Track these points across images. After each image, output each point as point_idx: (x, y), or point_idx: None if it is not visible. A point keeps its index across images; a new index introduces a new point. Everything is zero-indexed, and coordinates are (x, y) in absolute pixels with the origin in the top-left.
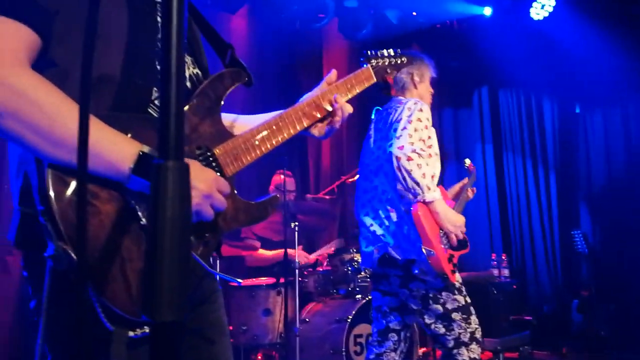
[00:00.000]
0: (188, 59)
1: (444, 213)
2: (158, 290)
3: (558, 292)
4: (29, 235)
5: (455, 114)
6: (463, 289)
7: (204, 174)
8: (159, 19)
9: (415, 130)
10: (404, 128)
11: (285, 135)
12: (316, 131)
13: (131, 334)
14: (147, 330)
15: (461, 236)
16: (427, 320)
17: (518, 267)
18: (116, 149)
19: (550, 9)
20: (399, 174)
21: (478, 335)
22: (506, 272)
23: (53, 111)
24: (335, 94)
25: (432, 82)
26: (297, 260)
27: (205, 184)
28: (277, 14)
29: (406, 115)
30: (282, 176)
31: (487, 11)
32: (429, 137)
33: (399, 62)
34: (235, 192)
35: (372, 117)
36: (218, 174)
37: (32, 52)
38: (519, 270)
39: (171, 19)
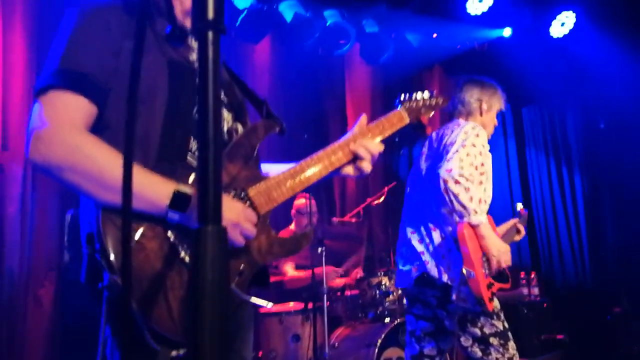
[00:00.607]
0: (229, 115)
1: (489, 237)
2: (201, 347)
3: (590, 309)
4: (91, 272)
5: None
6: (501, 314)
7: (232, 204)
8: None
9: (467, 155)
10: (456, 151)
11: (314, 177)
12: (350, 172)
13: (174, 353)
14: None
15: (504, 264)
16: (464, 343)
17: (548, 285)
18: (155, 189)
19: (571, 26)
20: (446, 197)
21: None
22: (536, 290)
23: (102, 162)
24: (360, 138)
25: (498, 115)
26: (325, 286)
27: (233, 214)
28: (299, 42)
29: (461, 138)
30: (305, 200)
31: (507, 32)
32: (482, 164)
33: (434, 103)
34: (270, 227)
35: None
36: (254, 212)
37: (89, 118)
38: (549, 288)
39: (207, 91)
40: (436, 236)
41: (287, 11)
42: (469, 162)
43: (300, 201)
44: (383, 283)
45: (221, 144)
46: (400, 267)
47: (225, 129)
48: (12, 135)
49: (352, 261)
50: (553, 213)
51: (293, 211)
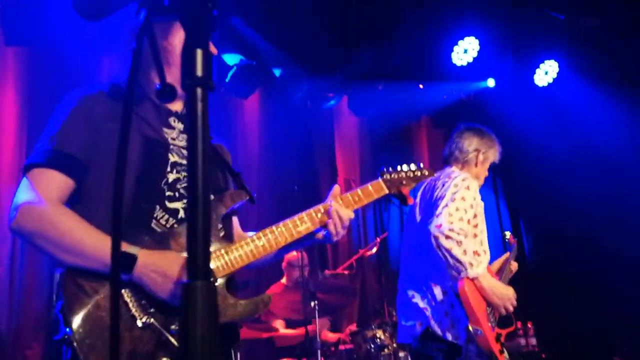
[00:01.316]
0: None
1: (489, 287)
2: None
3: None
4: (54, 327)
5: None
6: None
7: (176, 262)
8: (170, 156)
9: (457, 209)
10: (446, 206)
11: (276, 246)
12: (320, 236)
13: None
14: None
15: (511, 308)
16: None
17: (546, 335)
18: (106, 251)
19: (555, 75)
20: (439, 253)
21: None
22: (533, 341)
23: (63, 229)
24: (330, 205)
25: (491, 166)
26: (319, 340)
27: (179, 272)
28: (287, 96)
29: (451, 192)
30: (295, 252)
31: (491, 82)
32: (475, 216)
33: (418, 174)
34: (226, 291)
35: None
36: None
37: (64, 191)
38: (547, 338)
39: (196, 148)
40: (437, 292)
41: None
42: (458, 216)
43: (292, 254)
44: (378, 336)
45: (209, 201)
46: (403, 322)
47: None
48: (3, 194)
49: (344, 313)
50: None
51: (284, 264)
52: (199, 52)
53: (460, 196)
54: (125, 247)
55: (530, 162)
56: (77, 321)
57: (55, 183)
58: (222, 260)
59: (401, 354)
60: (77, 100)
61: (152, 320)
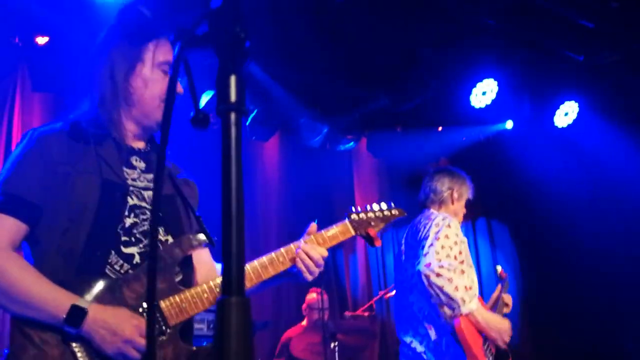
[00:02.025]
0: (160, 229)
1: (485, 321)
2: None
3: None
4: None
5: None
6: None
7: (128, 320)
8: (129, 199)
9: (442, 247)
10: (431, 245)
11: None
12: (290, 277)
13: None
14: None
15: (507, 340)
16: None
17: None
18: (55, 302)
19: (574, 116)
20: (432, 291)
21: None
22: None
23: (11, 278)
24: (298, 247)
25: (467, 204)
26: None
27: (127, 330)
28: (306, 138)
29: (434, 232)
30: (316, 295)
31: (509, 124)
32: (460, 253)
33: (388, 214)
34: (179, 339)
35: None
36: (162, 323)
37: (16, 236)
38: None
39: (230, 170)
40: (432, 334)
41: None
42: (445, 253)
43: (312, 296)
44: None
45: (243, 220)
46: None
47: None
48: None
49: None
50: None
51: (304, 306)
52: (233, 78)
53: (444, 234)
54: (76, 300)
55: (550, 204)
56: None
57: (6, 228)
58: (177, 308)
59: None
60: (35, 141)
61: None
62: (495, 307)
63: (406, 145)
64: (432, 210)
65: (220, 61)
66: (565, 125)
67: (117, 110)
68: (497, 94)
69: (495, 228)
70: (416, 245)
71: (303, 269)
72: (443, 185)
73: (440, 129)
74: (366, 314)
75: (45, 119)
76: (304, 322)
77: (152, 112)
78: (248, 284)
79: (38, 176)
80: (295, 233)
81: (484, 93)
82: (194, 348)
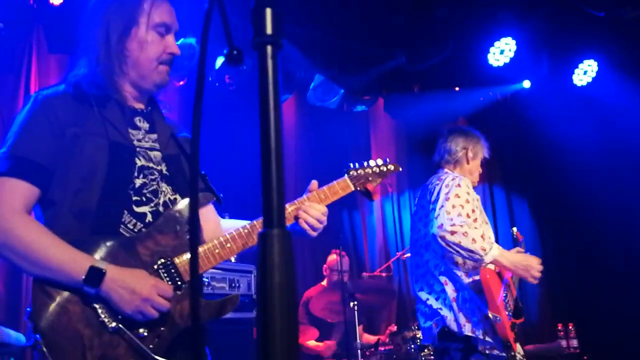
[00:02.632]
0: (168, 188)
1: (511, 263)
2: (272, 353)
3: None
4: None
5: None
6: None
7: (145, 280)
8: (136, 160)
9: (453, 206)
10: (442, 207)
11: (245, 245)
12: (304, 227)
13: None
14: None
15: (538, 275)
16: None
17: (587, 337)
18: (73, 264)
19: (594, 74)
20: (450, 250)
21: None
22: (575, 342)
23: (28, 242)
24: (303, 202)
25: (483, 162)
26: (359, 341)
27: (145, 289)
28: (323, 99)
29: (444, 193)
30: (336, 256)
31: (527, 84)
32: (473, 211)
33: (384, 170)
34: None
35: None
36: (177, 279)
37: (29, 199)
38: (588, 340)
39: (268, 103)
40: (449, 290)
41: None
42: (456, 212)
43: (332, 257)
44: (418, 337)
45: (282, 153)
46: (422, 324)
47: (161, 201)
48: None
49: (382, 314)
50: (584, 260)
51: (325, 267)
52: (269, 11)
53: (454, 194)
54: (94, 261)
55: (567, 164)
56: (46, 327)
57: (19, 192)
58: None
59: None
60: (40, 103)
61: (120, 325)
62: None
63: (423, 106)
64: (446, 170)
65: None
66: (584, 83)
67: (114, 73)
68: (516, 52)
69: (513, 191)
70: (427, 206)
71: (305, 227)
72: (457, 145)
73: (457, 89)
74: (384, 274)
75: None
76: (324, 282)
77: (149, 74)
78: (250, 243)
79: (46, 138)
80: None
81: (502, 52)
82: (208, 302)
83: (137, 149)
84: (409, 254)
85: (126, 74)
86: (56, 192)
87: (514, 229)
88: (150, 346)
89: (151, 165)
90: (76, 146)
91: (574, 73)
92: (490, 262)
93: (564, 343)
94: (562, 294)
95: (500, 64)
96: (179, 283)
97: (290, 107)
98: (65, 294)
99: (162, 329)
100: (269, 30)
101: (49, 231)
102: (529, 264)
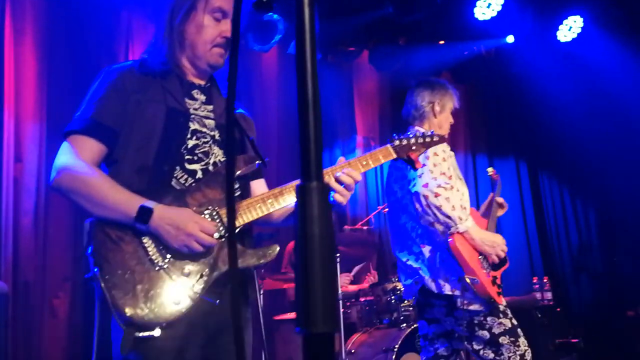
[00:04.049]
0: (219, 151)
1: (479, 238)
2: (312, 303)
3: (603, 314)
4: (86, 270)
5: None
6: (508, 311)
7: (191, 217)
8: (190, 124)
9: (435, 165)
10: (423, 165)
11: (284, 202)
12: (337, 198)
13: (138, 334)
14: (149, 334)
15: (502, 255)
16: (476, 347)
17: (561, 289)
18: (127, 204)
19: (579, 30)
20: (430, 211)
21: (528, 357)
22: (549, 295)
23: (94, 187)
24: (338, 171)
25: (454, 112)
26: (340, 291)
27: (190, 225)
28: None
29: None
30: None
31: (510, 39)
32: (449, 168)
33: (429, 140)
34: (237, 241)
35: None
36: (221, 227)
37: (98, 155)
38: (561, 292)
39: (305, 53)
40: (427, 252)
41: None
42: (439, 171)
43: None
44: (398, 288)
45: (319, 106)
46: (403, 282)
47: (212, 161)
48: (26, 147)
49: (363, 267)
50: (563, 215)
51: None
52: None
53: (432, 152)
54: (144, 202)
55: (551, 122)
56: (104, 262)
57: (90, 148)
58: (235, 214)
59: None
60: (112, 75)
61: (168, 264)
62: (489, 213)
63: (408, 59)
64: (416, 127)
65: None
66: (569, 39)
67: (175, 51)
68: (503, 6)
69: (496, 151)
70: (402, 166)
71: (340, 199)
72: (423, 99)
73: (442, 42)
74: (365, 227)
75: (38, 25)
76: None
77: (204, 55)
78: (266, 211)
79: (114, 105)
80: (295, 145)
81: (489, 5)
82: (248, 250)
83: (192, 115)
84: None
85: (185, 53)
86: (121, 150)
87: (490, 168)
88: (194, 283)
89: (204, 130)
90: (138, 111)
91: (558, 29)
92: (462, 233)
93: (538, 295)
94: (538, 247)
95: (487, 17)
96: (223, 231)
97: (272, 58)
98: (120, 233)
99: (206, 270)
100: None
101: (111, 179)
102: (495, 242)
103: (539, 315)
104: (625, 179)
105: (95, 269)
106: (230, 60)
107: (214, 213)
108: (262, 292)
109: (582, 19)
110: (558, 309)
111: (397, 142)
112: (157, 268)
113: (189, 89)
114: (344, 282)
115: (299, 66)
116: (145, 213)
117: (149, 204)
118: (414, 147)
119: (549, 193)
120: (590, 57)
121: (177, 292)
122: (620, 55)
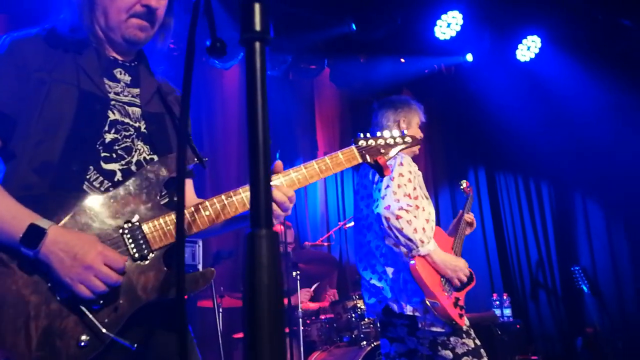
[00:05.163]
0: (145, 147)
1: (441, 262)
2: (260, 352)
3: (562, 330)
4: None
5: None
6: (471, 331)
7: (90, 245)
8: (109, 113)
9: (399, 186)
10: (387, 186)
11: (220, 217)
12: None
13: None
14: None
15: (464, 279)
16: None
17: (520, 306)
18: (13, 220)
19: (537, 50)
20: (391, 233)
21: None
22: (508, 311)
23: None
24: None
25: (422, 126)
26: (300, 310)
27: (89, 256)
28: (270, 68)
29: None
30: (282, 227)
31: (469, 57)
32: (415, 189)
33: (400, 141)
34: (163, 265)
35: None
36: (143, 246)
37: None
38: (521, 309)
39: (256, 100)
40: (390, 272)
41: None
42: (402, 192)
43: (279, 228)
44: (358, 306)
45: (269, 151)
46: (366, 300)
47: (135, 159)
48: None
49: (323, 283)
50: (523, 234)
51: None
52: (257, 7)
53: (398, 173)
54: (36, 219)
55: (509, 135)
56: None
57: None
58: (160, 230)
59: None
60: (7, 46)
61: (72, 294)
62: (456, 229)
63: (369, 76)
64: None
65: None
66: (527, 59)
67: (89, 21)
68: (462, 26)
69: (453, 167)
70: (370, 185)
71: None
72: (388, 119)
73: (403, 60)
74: (325, 244)
75: None
76: None
77: (118, 26)
78: (227, 214)
79: (10, 84)
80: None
81: (448, 25)
82: (171, 275)
83: (112, 102)
84: (351, 224)
85: (98, 23)
86: (18, 143)
87: (463, 181)
88: (105, 320)
89: (127, 120)
90: (41, 93)
91: (517, 48)
92: (423, 256)
93: (498, 312)
94: (498, 265)
95: (447, 37)
96: (145, 252)
97: (234, 74)
98: (12, 254)
99: (120, 301)
100: (257, 27)
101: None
102: (458, 266)
103: (499, 332)
104: (584, 193)
105: None
106: (184, 94)
107: (136, 228)
108: (220, 310)
109: (540, 39)
110: (518, 326)
111: (362, 143)
112: (57, 299)
113: (109, 67)
114: (303, 298)
115: (250, 115)
116: (35, 234)
117: (42, 222)
118: (382, 150)
119: (508, 208)
120: (549, 76)
121: (81, 331)
122: (578, 74)
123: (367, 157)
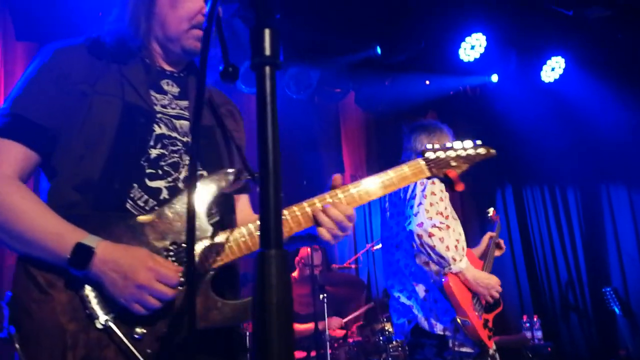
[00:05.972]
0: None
1: (474, 279)
2: None
3: (595, 353)
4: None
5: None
6: (497, 356)
7: (140, 262)
8: (155, 127)
9: (431, 204)
10: (420, 204)
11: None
12: (323, 234)
13: None
14: None
15: (497, 295)
16: None
17: (551, 328)
18: (59, 240)
19: (561, 71)
20: (423, 250)
21: None
22: (539, 334)
23: (12, 210)
24: (326, 204)
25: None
26: (327, 333)
27: (141, 275)
28: (295, 90)
29: (419, 190)
30: (309, 249)
31: (494, 78)
32: (445, 208)
33: (473, 153)
34: (210, 289)
35: None
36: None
37: (24, 164)
38: (552, 331)
39: (266, 124)
40: (420, 290)
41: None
42: (435, 210)
43: (307, 250)
44: (386, 329)
45: (280, 172)
46: (395, 320)
47: (182, 176)
48: None
49: (355, 311)
50: (552, 255)
51: (297, 259)
52: (267, 32)
53: (430, 191)
54: (84, 237)
55: (536, 156)
56: (24, 316)
57: (12, 156)
58: (208, 252)
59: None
60: (51, 56)
61: (112, 322)
62: (486, 254)
63: (394, 99)
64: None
65: (255, 13)
66: (552, 80)
67: (143, 30)
68: (486, 48)
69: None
70: (401, 204)
71: (326, 235)
72: (422, 143)
73: (427, 82)
74: (353, 266)
75: None
76: (295, 274)
77: (178, 36)
78: (253, 248)
79: (51, 95)
80: (283, 187)
81: (472, 47)
82: (228, 302)
83: (158, 115)
84: (378, 246)
85: (153, 32)
86: (59, 158)
87: (491, 209)
88: (148, 351)
89: (174, 135)
90: (84, 106)
91: (542, 69)
92: (455, 273)
93: (529, 334)
94: (528, 286)
95: (471, 59)
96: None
97: None
98: (51, 277)
99: (164, 330)
100: (267, 51)
101: (39, 200)
102: (490, 283)
103: (530, 355)
104: (613, 213)
105: (11, 327)
106: (195, 117)
107: (181, 250)
108: (247, 333)
109: (563, 60)
110: (549, 349)
111: (429, 155)
112: (97, 327)
113: (157, 79)
114: (333, 326)
115: (260, 138)
116: (83, 254)
117: (89, 241)
118: (452, 163)
119: (537, 229)
120: (573, 96)
121: None
122: (602, 94)
123: (436, 171)
